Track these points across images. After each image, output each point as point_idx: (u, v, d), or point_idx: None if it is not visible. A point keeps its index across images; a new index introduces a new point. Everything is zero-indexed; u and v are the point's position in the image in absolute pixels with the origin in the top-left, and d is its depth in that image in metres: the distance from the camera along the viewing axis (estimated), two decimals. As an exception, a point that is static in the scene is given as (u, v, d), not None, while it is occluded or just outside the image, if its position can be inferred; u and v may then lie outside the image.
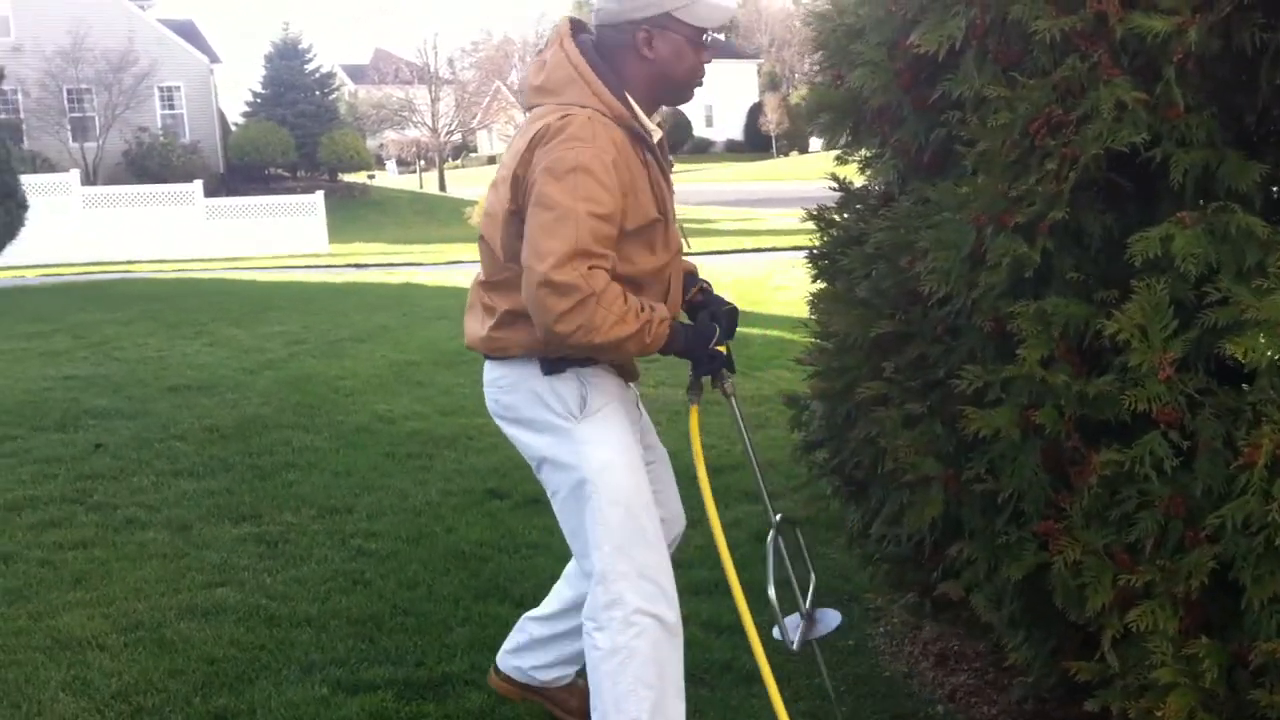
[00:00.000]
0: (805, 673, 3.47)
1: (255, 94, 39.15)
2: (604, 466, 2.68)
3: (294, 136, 36.77)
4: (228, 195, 28.69)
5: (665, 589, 2.72)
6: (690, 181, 51.95)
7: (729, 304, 2.97)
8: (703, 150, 67.89)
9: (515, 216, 2.61)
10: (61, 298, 14.43)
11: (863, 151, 3.55)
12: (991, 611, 2.97)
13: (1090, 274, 2.65)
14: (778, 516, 3.00)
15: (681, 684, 2.77)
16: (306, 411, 6.87)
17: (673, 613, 2.73)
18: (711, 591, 4.14)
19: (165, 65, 35.70)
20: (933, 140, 3.10)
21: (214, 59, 38.27)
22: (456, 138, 61.81)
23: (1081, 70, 2.58)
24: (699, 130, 69.85)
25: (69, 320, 11.52)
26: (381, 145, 61.83)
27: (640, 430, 2.91)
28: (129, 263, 22.15)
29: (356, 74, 67.35)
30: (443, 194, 48.28)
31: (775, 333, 9.87)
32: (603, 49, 2.69)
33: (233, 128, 38.90)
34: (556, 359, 2.69)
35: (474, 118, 60.36)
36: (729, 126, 71.07)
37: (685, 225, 2.95)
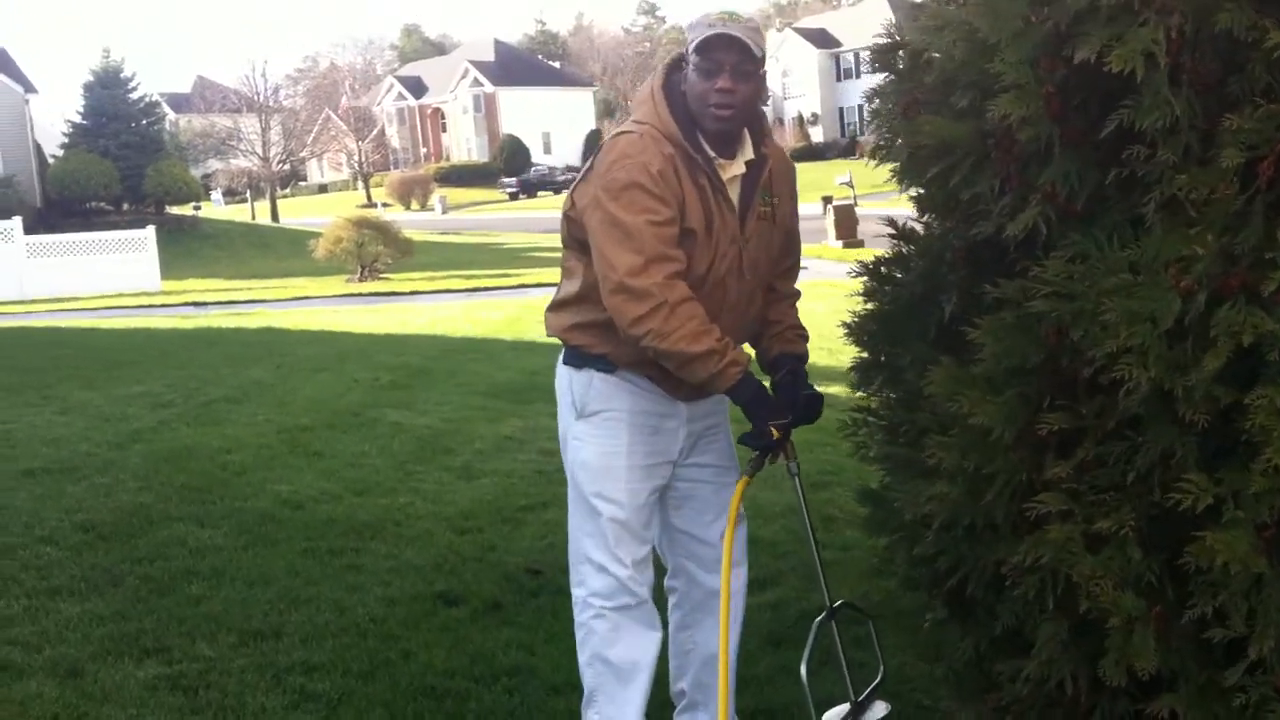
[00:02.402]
0: None
1: (74, 124, 36.86)
2: (582, 464, 2.96)
3: (118, 168, 34.74)
4: (47, 231, 26.63)
5: (624, 585, 2.93)
6: (532, 209, 51.21)
7: (813, 390, 3.00)
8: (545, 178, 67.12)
9: (570, 222, 2.88)
10: None
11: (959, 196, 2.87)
12: (1208, 788, 2.33)
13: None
14: (838, 603, 3.00)
15: (641, 669, 2.96)
16: (195, 497, 5.85)
17: (633, 600, 2.94)
18: None
19: (-25, 95, 33.28)
20: (1087, 182, 2.50)
21: (29, 89, 35.96)
22: (286, 166, 60.23)
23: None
24: (537, 156, 69.32)
25: (-120, 384, 10.08)
26: (208, 175, 59.63)
27: (688, 449, 3.01)
28: (-60, 308, 20.20)
29: (177, 103, 65.43)
30: (276, 225, 46.50)
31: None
32: None
33: (50, 160, 36.55)
34: (578, 355, 2.93)
35: (304, 146, 59.13)
36: (567, 153, 70.58)
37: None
